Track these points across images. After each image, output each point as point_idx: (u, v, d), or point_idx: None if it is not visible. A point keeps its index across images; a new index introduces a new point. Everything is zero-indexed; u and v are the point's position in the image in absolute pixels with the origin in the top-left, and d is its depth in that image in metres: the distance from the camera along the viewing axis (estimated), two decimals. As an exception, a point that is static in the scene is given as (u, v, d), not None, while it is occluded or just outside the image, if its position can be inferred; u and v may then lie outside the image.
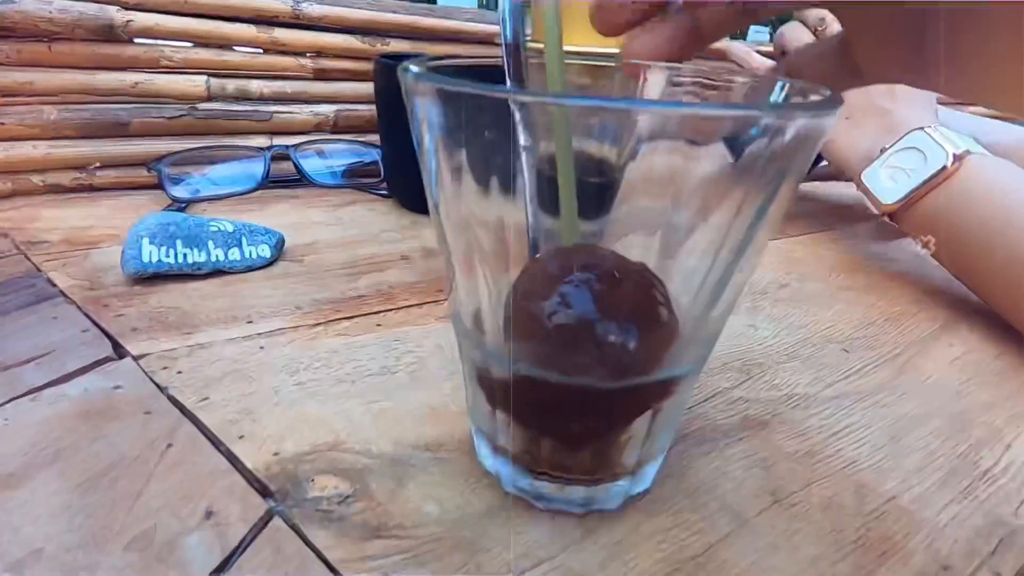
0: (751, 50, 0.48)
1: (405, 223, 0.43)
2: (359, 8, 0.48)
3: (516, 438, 0.18)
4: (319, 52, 0.47)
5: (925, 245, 0.37)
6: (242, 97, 0.45)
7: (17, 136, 0.39)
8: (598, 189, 0.19)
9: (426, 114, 0.15)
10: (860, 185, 0.40)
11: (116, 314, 0.28)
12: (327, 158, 0.48)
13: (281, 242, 0.35)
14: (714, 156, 0.13)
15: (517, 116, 0.13)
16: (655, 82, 0.21)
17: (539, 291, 0.16)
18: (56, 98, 0.39)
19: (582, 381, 0.16)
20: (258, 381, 0.24)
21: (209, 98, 0.44)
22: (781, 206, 0.14)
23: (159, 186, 0.41)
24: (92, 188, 0.42)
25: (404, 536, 0.17)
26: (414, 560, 0.17)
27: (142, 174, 0.43)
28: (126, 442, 0.20)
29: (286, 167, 0.46)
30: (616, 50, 0.32)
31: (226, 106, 0.45)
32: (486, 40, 0.53)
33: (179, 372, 0.24)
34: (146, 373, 0.24)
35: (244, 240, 0.33)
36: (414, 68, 0.15)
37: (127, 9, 0.40)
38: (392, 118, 0.43)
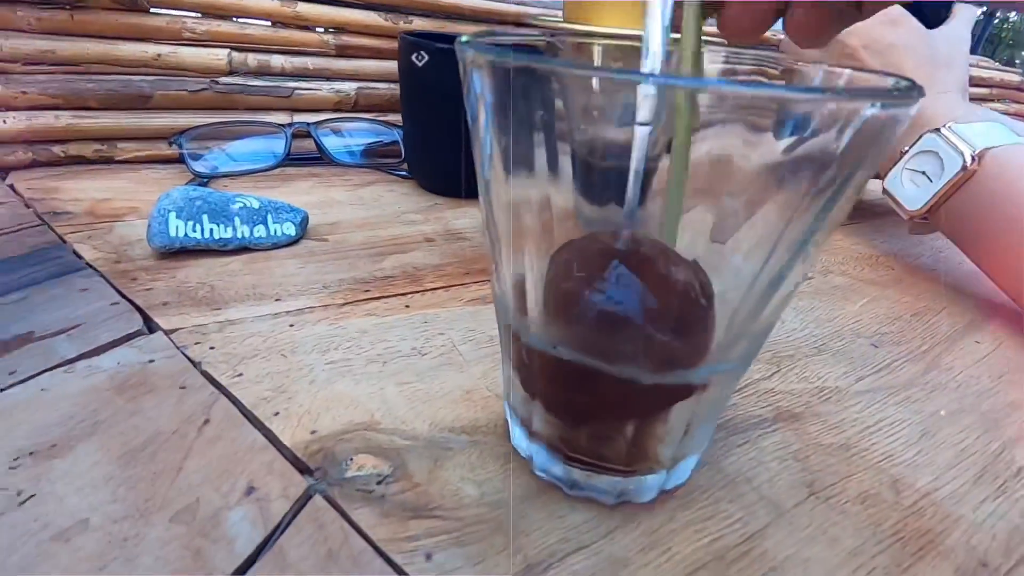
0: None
1: (426, 205, 0.43)
2: (383, -16, 0.47)
3: (551, 424, 0.18)
4: (341, 28, 0.47)
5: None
6: (263, 72, 0.45)
7: (39, 105, 0.38)
8: (647, 175, 0.18)
9: (483, 91, 0.15)
10: (885, 191, 0.39)
11: (144, 288, 0.28)
12: (348, 136, 0.47)
13: (305, 220, 0.35)
14: (773, 144, 0.13)
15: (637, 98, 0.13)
16: (711, 66, 0.21)
17: (584, 273, 0.16)
18: (78, 67, 0.39)
19: (623, 371, 0.16)
20: (290, 359, 0.24)
21: (231, 72, 0.43)
22: (845, 205, 0.14)
23: (180, 160, 0.41)
24: (113, 161, 0.41)
25: (445, 517, 0.17)
26: (456, 541, 0.17)
27: (163, 148, 0.42)
28: (163, 416, 0.20)
29: (307, 144, 0.45)
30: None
31: (247, 81, 0.44)
32: (507, 19, 0.52)
33: (211, 348, 0.24)
34: (178, 348, 0.24)
35: (269, 217, 0.33)
36: (485, 46, 0.14)
37: (150, -22, 0.39)
38: (416, 98, 0.42)
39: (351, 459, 0.19)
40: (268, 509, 0.17)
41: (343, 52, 0.47)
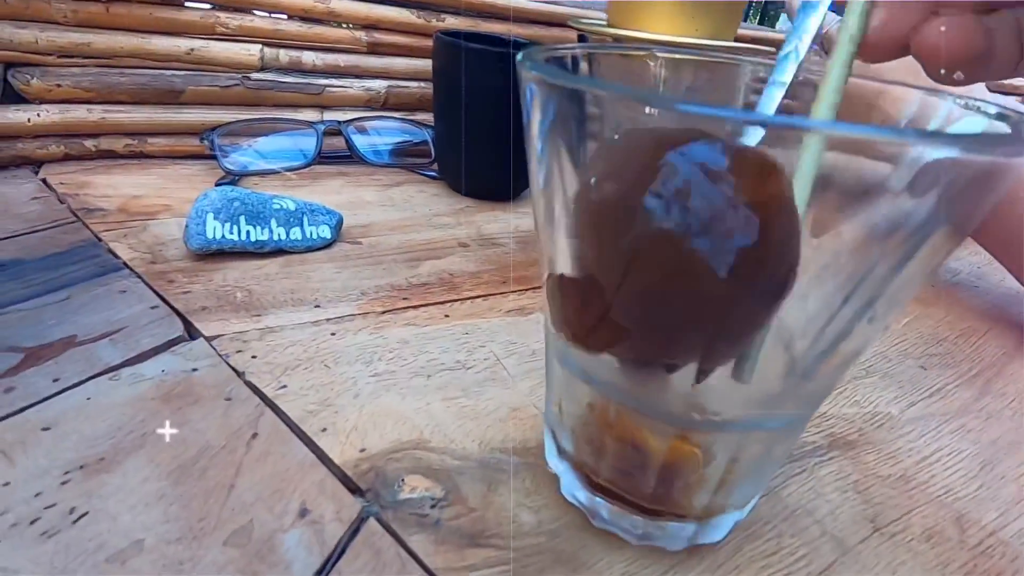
0: None
1: (457, 207, 0.42)
2: (417, -19, 0.46)
3: (580, 441, 0.17)
4: (374, 25, 0.46)
5: None
6: (295, 68, 0.44)
7: (72, 98, 0.38)
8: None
9: (542, 107, 0.14)
10: None
11: (183, 291, 0.27)
12: (378, 135, 0.47)
13: (340, 223, 0.34)
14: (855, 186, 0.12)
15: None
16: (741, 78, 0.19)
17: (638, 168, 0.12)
18: (111, 61, 0.38)
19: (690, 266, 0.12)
20: (333, 370, 0.23)
21: (262, 68, 0.43)
22: (934, 258, 0.12)
23: (210, 156, 0.40)
24: (143, 155, 0.41)
25: (503, 546, 0.17)
26: (516, 573, 0.16)
27: (193, 143, 0.42)
28: (211, 429, 0.20)
29: (336, 142, 0.45)
30: (691, 40, 0.31)
31: (279, 77, 0.43)
32: (539, 20, 0.51)
33: (253, 356, 0.23)
34: (221, 356, 0.23)
35: (305, 219, 0.32)
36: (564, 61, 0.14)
37: (185, -29, 0.39)
38: (449, 99, 0.41)
39: (403, 480, 0.19)
40: (323, 533, 0.17)
41: (374, 49, 0.47)
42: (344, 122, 0.44)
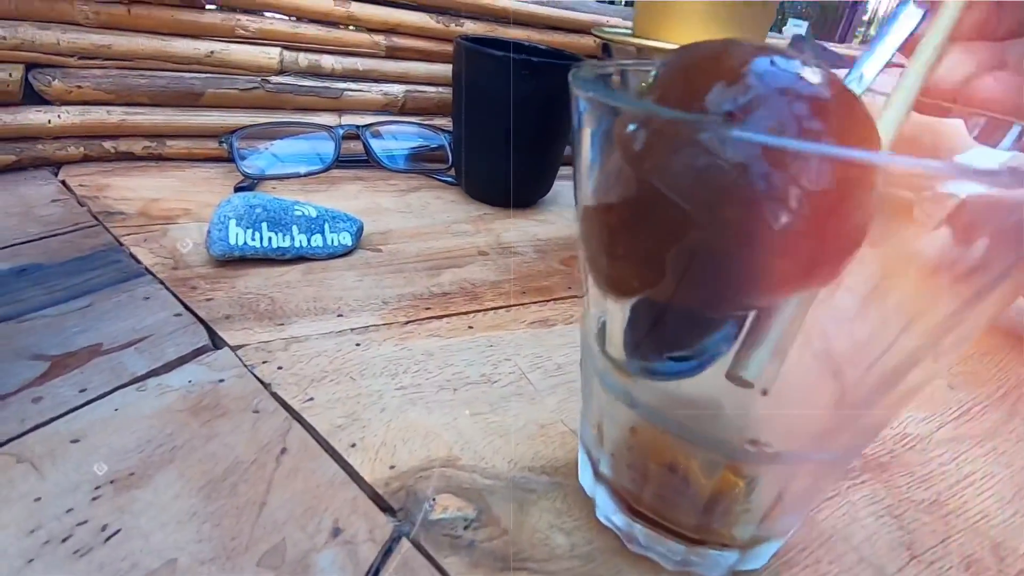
0: None
1: (475, 214, 0.42)
2: (437, -15, 0.46)
3: (620, 465, 0.17)
4: (393, 29, 0.46)
5: None
6: (314, 72, 0.44)
7: (92, 100, 0.38)
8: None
9: (595, 120, 0.13)
10: None
11: (205, 298, 0.27)
12: (395, 140, 0.47)
13: (360, 230, 0.34)
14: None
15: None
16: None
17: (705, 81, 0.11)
18: (131, 63, 0.38)
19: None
20: (359, 383, 0.23)
21: (281, 71, 0.43)
22: (1007, 296, 0.12)
23: (229, 159, 0.40)
24: (161, 158, 0.41)
25: (538, 570, 0.17)
26: (553, 598, 0.16)
27: (211, 146, 0.42)
28: (240, 443, 0.19)
29: (354, 146, 0.45)
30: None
31: (297, 80, 0.43)
32: (559, 26, 0.51)
33: (279, 367, 0.23)
34: (247, 367, 0.23)
35: (327, 227, 0.32)
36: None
37: (207, -26, 0.39)
38: (468, 103, 0.41)
39: (434, 500, 0.18)
40: (356, 553, 0.16)
41: (393, 54, 0.46)
42: (362, 127, 0.44)
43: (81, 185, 0.36)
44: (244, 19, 0.41)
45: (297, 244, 0.31)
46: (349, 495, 0.18)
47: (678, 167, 0.11)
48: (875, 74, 0.14)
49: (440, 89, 0.49)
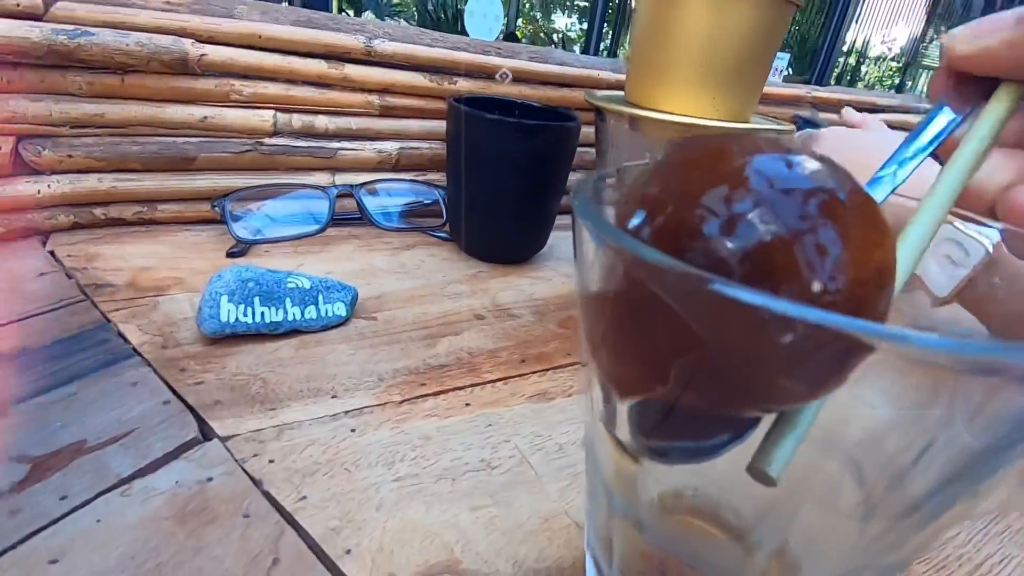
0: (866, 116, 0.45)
1: (470, 273, 0.42)
2: (429, 46, 0.47)
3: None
4: (386, 89, 0.46)
5: None
6: (308, 133, 0.44)
7: (84, 168, 0.37)
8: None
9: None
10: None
11: (195, 381, 0.26)
12: (389, 196, 0.47)
13: (355, 298, 0.33)
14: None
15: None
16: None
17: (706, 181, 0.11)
18: (124, 130, 0.38)
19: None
20: (354, 475, 0.22)
21: (275, 132, 0.43)
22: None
23: (222, 222, 0.40)
24: (153, 222, 0.40)
25: None
26: None
27: (204, 208, 0.41)
28: (229, 555, 0.18)
29: (348, 203, 0.45)
30: (711, 122, 0.31)
31: (291, 142, 0.43)
32: (549, 81, 0.52)
33: (271, 461, 0.22)
34: (237, 462, 0.22)
35: (321, 298, 0.31)
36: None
37: (201, 42, 0.39)
38: (461, 163, 0.41)
39: (435, 614, 0.17)
40: None
41: (387, 112, 0.47)
42: (356, 186, 0.44)
43: (70, 256, 0.35)
44: (238, 84, 0.41)
45: (291, 317, 0.30)
46: (345, 613, 0.17)
47: (681, 288, 0.10)
48: (909, 172, 0.14)
49: (434, 144, 0.49)
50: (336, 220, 0.44)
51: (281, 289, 0.31)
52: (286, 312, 0.30)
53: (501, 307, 0.37)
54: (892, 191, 0.14)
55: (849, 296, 0.10)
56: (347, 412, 0.26)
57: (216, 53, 0.39)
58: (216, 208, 0.40)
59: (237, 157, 0.42)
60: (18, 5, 0.34)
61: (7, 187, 0.35)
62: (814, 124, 0.45)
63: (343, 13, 4.68)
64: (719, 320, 0.10)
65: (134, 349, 0.28)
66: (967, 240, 0.34)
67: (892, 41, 6.84)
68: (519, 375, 0.30)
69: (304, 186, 0.43)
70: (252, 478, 0.21)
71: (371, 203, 0.45)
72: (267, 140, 0.43)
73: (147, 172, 0.39)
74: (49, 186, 0.36)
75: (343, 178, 0.46)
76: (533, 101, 0.47)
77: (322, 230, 0.41)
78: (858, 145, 0.40)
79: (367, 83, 0.45)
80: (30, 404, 0.23)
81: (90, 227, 0.39)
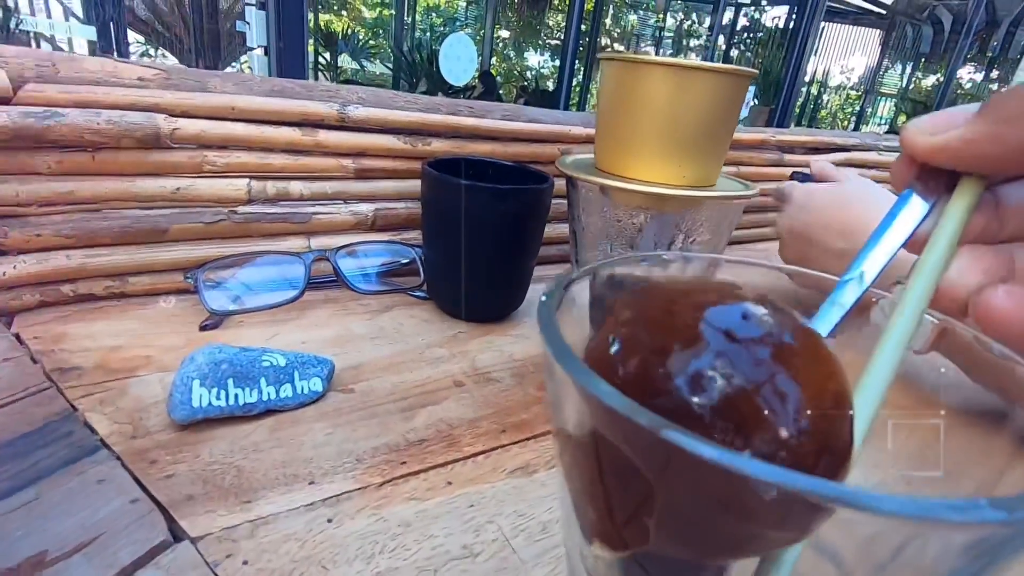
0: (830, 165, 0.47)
1: (449, 334, 0.41)
2: (402, 110, 0.48)
3: None
4: (361, 152, 0.47)
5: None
6: (282, 198, 0.44)
7: (52, 246, 0.37)
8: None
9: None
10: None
11: (165, 475, 0.25)
12: (366, 257, 0.47)
13: (331, 372, 0.33)
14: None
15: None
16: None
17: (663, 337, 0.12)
18: (94, 205, 0.38)
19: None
20: (332, 573, 0.22)
21: (250, 200, 0.43)
22: None
23: (195, 292, 0.39)
24: (124, 295, 0.40)
25: None
26: None
27: (176, 278, 0.41)
28: None
29: (324, 266, 0.44)
30: (676, 191, 0.32)
31: (265, 209, 0.43)
32: (521, 138, 0.53)
33: (244, 562, 0.22)
34: (209, 566, 0.21)
35: (296, 375, 0.31)
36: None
37: (174, 117, 0.39)
38: (437, 226, 0.42)
39: None
40: None
41: (362, 175, 0.47)
42: (331, 251, 0.44)
43: (36, 338, 0.34)
44: (211, 155, 0.41)
45: (266, 397, 0.30)
46: None
47: (639, 441, 0.10)
48: (876, 274, 0.15)
49: (409, 204, 0.50)
50: (312, 284, 0.43)
51: (256, 368, 0.30)
52: (260, 392, 0.30)
53: (480, 371, 0.37)
54: (863, 293, 0.15)
55: (815, 431, 0.10)
56: (324, 500, 0.25)
57: (189, 126, 0.40)
58: (189, 279, 0.39)
59: (210, 227, 0.41)
60: (-14, 89, 0.34)
61: (-29, 270, 0.34)
62: (813, 180, 0.46)
63: (319, 57, 4.76)
64: (680, 473, 0.10)
65: (102, 441, 0.27)
66: None
67: (851, 71, 7.17)
68: (500, 447, 0.30)
69: (279, 252, 0.43)
70: (224, 584, 0.21)
71: (347, 265, 0.45)
72: (241, 208, 0.43)
73: (118, 246, 0.39)
74: (15, 267, 0.36)
75: (319, 241, 0.46)
76: (506, 160, 0.48)
77: (298, 297, 0.41)
78: (842, 200, 0.41)
79: (341, 148, 0.45)
80: (-11, 512, 0.22)
81: (58, 304, 0.38)
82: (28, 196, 0.36)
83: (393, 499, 0.26)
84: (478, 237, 0.40)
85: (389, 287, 0.46)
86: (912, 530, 0.10)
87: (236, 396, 0.29)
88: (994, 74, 6.18)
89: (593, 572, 0.15)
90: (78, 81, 0.37)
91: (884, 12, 6.30)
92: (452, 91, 3.73)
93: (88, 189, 0.37)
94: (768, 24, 5.95)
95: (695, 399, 0.10)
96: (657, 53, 6.40)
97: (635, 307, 0.12)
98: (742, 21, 5.92)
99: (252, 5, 2.34)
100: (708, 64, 0.29)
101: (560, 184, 0.46)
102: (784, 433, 0.10)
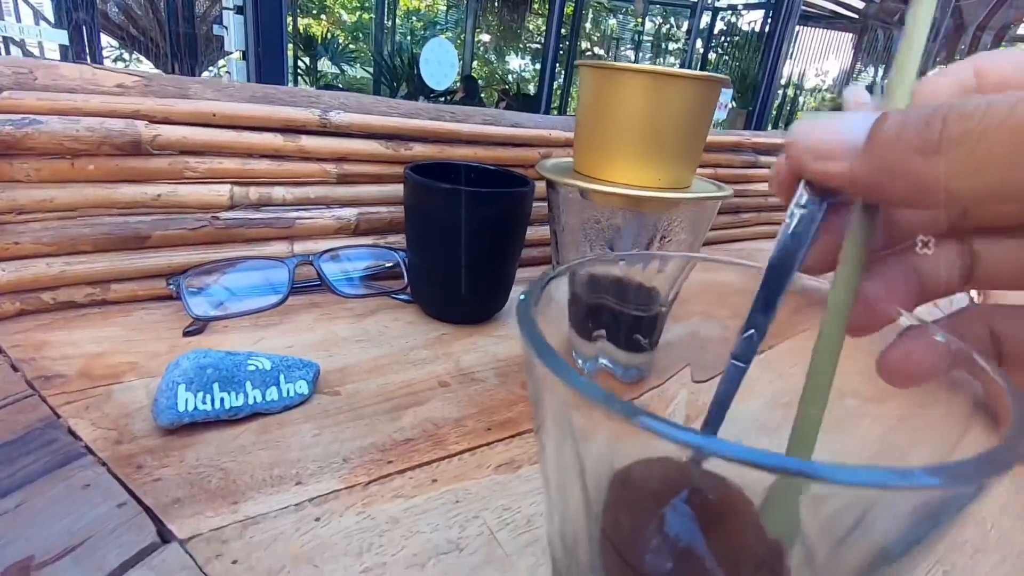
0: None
1: (433, 336, 0.42)
2: (384, 115, 0.48)
3: None
4: (343, 158, 0.47)
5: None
6: (265, 204, 0.44)
7: (32, 254, 0.37)
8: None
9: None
10: None
11: (152, 479, 0.26)
12: (349, 262, 0.47)
13: (317, 374, 0.33)
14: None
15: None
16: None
17: (636, 522, 0.15)
18: (74, 212, 0.38)
19: None
20: (321, 570, 0.22)
21: (232, 206, 0.43)
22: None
23: (178, 299, 0.39)
24: (105, 302, 0.40)
25: None
26: None
27: (159, 285, 0.41)
28: (191, 674, 0.18)
29: (308, 271, 0.45)
30: (652, 192, 0.33)
31: (248, 214, 0.44)
32: (502, 142, 0.54)
33: (234, 562, 0.22)
34: (199, 566, 0.22)
35: (282, 378, 0.31)
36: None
37: (155, 123, 0.39)
38: (420, 230, 0.42)
39: None
40: None
41: (344, 180, 0.48)
42: (315, 256, 0.44)
43: (16, 346, 0.34)
44: (193, 161, 0.41)
45: (251, 401, 0.30)
46: None
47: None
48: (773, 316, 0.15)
49: (392, 208, 0.50)
50: (296, 289, 0.44)
51: (241, 372, 0.30)
52: (246, 395, 0.30)
53: (465, 371, 0.38)
54: (759, 343, 0.15)
55: None
56: (312, 500, 0.25)
57: (170, 133, 0.40)
58: (171, 286, 0.39)
59: (192, 233, 0.41)
60: (-38, 97, 0.34)
61: (-52, 279, 0.34)
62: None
63: (299, 61, 4.73)
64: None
65: (86, 447, 0.27)
66: None
67: (825, 73, 7.32)
68: (485, 444, 0.31)
69: (262, 257, 0.43)
70: (214, 584, 0.21)
71: (331, 270, 0.45)
72: (223, 214, 0.43)
73: (99, 253, 0.39)
74: (-6, 275, 0.35)
75: (302, 246, 0.46)
76: (488, 164, 0.49)
77: (282, 302, 0.41)
78: None
79: (323, 153, 0.46)
80: (-26, 519, 0.22)
81: (38, 313, 0.38)
82: (6, 204, 0.35)
83: (380, 497, 0.26)
84: (459, 241, 0.40)
85: (373, 291, 0.47)
86: (864, 501, 0.11)
87: (222, 400, 0.29)
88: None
89: (572, 554, 0.15)
90: (56, 88, 0.37)
91: (856, 16, 6.45)
92: (434, 95, 3.74)
93: (68, 196, 0.37)
94: (745, 28, 6.06)
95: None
96: (636, 57, 6.48)
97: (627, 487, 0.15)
98: (719, 25, 6.02)
99: (230, 9, 2.32)
100: (681, 71, 0.30)
101: (541, 187, 0.47)
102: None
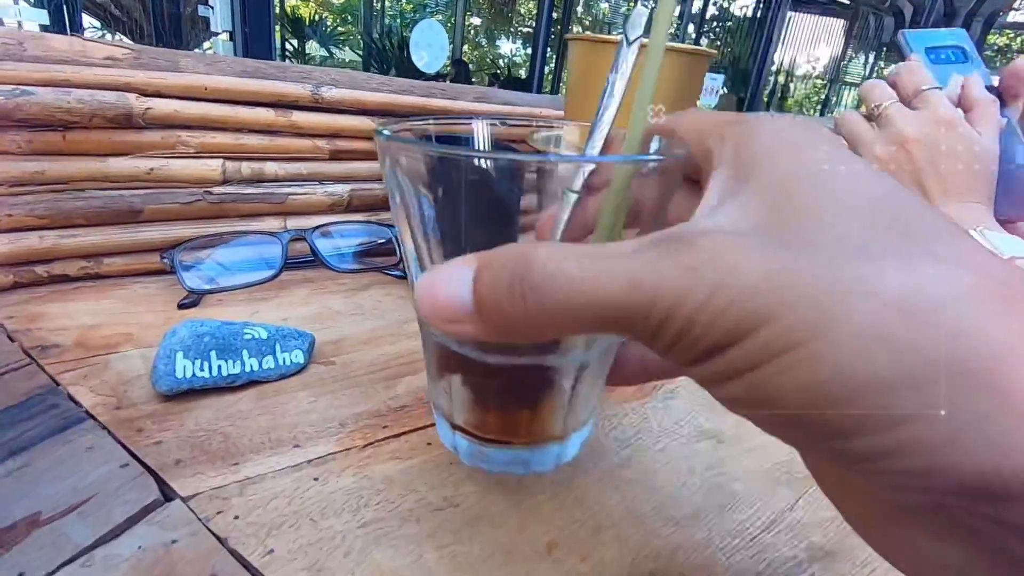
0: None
1: (426, 310, 0.43)
2: (375, 91, 0.48)
3: (468, 413, 0.23)
4: (335, 134, 0.47)
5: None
6: (257, 179, 0.45)
7: (25, 227, 0.37)
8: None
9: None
10: None
11: (153, 441, 0.26)
12: (342, 238, 0.47)
13: (312, 344, 0.34)
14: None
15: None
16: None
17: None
18: (66, 186, 0.38)
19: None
20: (320, 524, 0.23)
21: (224, 181, 0.43)
22: None
23: (172, 273, 0.40)
24: (99, 276, 0.40)
25: None
26: None
27: (152, 259, 0.41)
28: (198, 617, 0.19)
29: (301, 246, 0.45)
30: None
31: (240, 189, 0.44)
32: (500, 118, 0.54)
33: (236, 517, 0.23)
34: (201, 520, 0.22)
35: (278, 347, 0.32)
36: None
37: (146, 96, 0.39)
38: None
39: (405, 656, 0.18)
40: None
41: (336, 156, 0.48)
42: (308, 230, 0.44)
43: (11, 317, 0.34)
44: (185, 135, 0.41)
45: (248, 369, 0.31)
46: (317, 664, 0.18)
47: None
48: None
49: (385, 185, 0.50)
50: (289, 264, 0.44)
51: (238, 341, 0.31)
52: (243, 363, 0.31)
53: (458, 343, 0.38)
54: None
55: None
56: (310, 461, 0.26)
57: (162, 106, 0.40)
58: (165, 260, 0.40)
59: (186, 207, 0.42)
60: (-49, 67, 0.33)
61: (-59, 251, 0.34)
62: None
63: (286, 43, 4.65)
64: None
65: (87, 412, 0.28)
66: None
67: (816, 60, 7.32)
68: (478, 411, 0.31)
69: (256, 232, 0.43)
70: (217, 536, 0.22)
71: (324, 246, 0.45)
72: (216, 189, 0.43)
73: (92, 227, 0.39)
74: (-13, 247, 0.35)
75: (295, 222, 0.46)
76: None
77: (275, 276, 0.42)
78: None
79: (315, 129, 0.46)
80: (-21, 479, 0.23)
81: (32, 285, 0.38)
82: (-2, 176, 0.36)
83: (376, 459, 0.27)
84: (448, 212, 0.41)
85: (366, 266, 0.47)
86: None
87: (219, 368, 0.30)
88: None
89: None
90: (45, 60, 0.37)
91: (848, 2, 6.45)
92: (424, 79, 3.70)
93: (59, 169, 0.37)
94: (737, 13, 6.04)
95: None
96: (628, 41, 6.42)
97: None
98: (711, 10, 5.99)
99: (216, -11, 2.28)
100: (670, 44, 0.31)
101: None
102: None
